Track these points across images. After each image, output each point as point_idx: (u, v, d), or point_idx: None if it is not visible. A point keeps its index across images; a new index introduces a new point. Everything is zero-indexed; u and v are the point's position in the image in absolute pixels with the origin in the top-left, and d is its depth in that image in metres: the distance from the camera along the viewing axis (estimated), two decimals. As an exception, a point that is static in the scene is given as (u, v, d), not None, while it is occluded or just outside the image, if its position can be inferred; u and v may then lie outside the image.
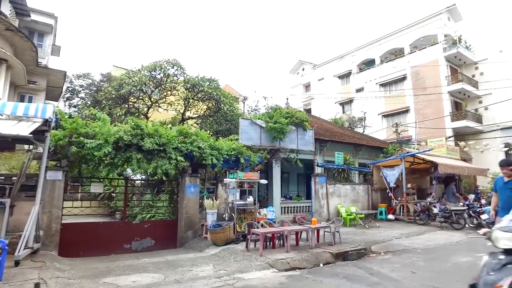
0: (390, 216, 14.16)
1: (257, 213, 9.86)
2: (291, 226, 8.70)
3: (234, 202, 9.14)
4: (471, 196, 17.01)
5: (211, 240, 8.84)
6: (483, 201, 15.45)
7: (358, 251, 7.87)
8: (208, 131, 15.91)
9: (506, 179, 5.35)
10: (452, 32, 29.84)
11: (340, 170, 14.67)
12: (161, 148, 8.89)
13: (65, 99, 18.92)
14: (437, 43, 28.32)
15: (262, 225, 8.75)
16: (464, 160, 21.57)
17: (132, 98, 14.63)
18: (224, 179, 9.75)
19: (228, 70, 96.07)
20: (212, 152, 9.71)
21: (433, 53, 28.18)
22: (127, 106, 14.77)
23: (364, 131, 28.58)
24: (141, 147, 8.48)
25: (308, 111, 38.19)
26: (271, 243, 8.35)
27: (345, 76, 35.81)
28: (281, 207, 13.81)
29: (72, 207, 9.25)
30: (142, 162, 8.60)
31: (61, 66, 42.50)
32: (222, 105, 14.85)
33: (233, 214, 9.03)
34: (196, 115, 16.81)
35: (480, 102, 28.20)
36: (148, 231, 9.39)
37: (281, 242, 8.33)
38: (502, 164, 5.46)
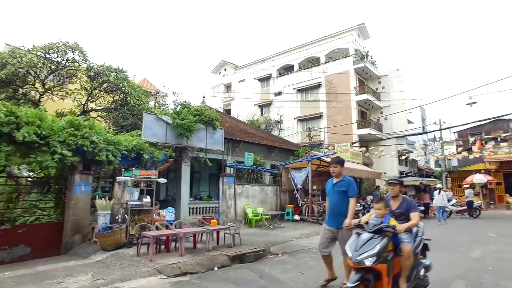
0: (296, 217, 14.66)
1: (156, 214, 9.18)
2: (188, 228, 8.25)
3: (128, 203, 8.35)
4: (369, 197, 18.69)
5: (100, 244, 7.92)
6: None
7: (256, 253, 7.79)
8: (111, 125, 14.60)
9: (335, 181, 4.99)
10: (361, 48, 32.69)
11: (250, 171, 14.71)
12: (43, 141, 7.67)
13: None
14: (349, 56, 30.71)
15: (157, 227, 8.12)
16: (366, 165, 23.68)
17: (18, 81, 12.55)
18: (117, 177, 8.87)
19: (150, 65, 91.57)
20: (108, 147, 8.74)
21: (345, 65, 30.46)
22: (12, 91, 12.64)
23: (279, 134, 29.54)
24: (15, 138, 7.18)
25: (228, 111, 38.27)
26: (166, 246, 7.80)
27: (265, 79, 36.67)
28: (190, 208, 13.31)
29: None
30: (14, 156, 7.29)
31: None
32: (129, 98, 13.69)
33: (126, 216, 8.24)
34: (101, 108, 15.25)
35: (381, 112, 31.46)
36: (23, 237, 8.00)
37: (178, 245, 7.84)
38: (331, 162, 5.14)
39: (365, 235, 4.03)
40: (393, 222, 4.21)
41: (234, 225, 9.11)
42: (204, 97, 18.45)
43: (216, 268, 6.61)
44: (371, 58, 31.45)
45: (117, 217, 8.58)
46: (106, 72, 13.48)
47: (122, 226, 8.03)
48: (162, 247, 7.82)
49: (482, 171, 22.26)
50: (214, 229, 8.05)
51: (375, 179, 23.04)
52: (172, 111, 12.96)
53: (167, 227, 8.37)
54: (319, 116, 30.81)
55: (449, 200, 17.30)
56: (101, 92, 14.63)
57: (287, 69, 36.00)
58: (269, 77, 36.24)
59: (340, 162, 5.11)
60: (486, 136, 23.36)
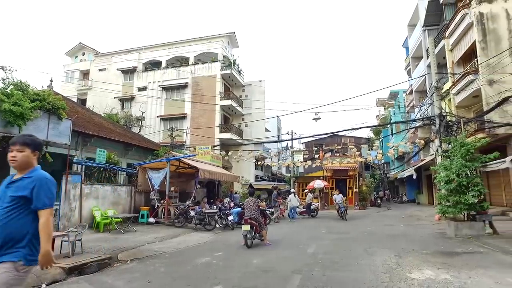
0: (151, 219, 13.90)
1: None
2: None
3: None
4: (226, 200, 19.42)
5: None
6: (232, 204, 17.79)
7: (100, 262, 6.89)
8: None
9: (15, 177, 2.66)
10: (229, 55, 34.09)
11: (102, 169, 13.19)
12: None
13: None
14: (217, 61, 31.54)
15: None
16: (226, 168, 24.59)
17: None
18: None
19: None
20: None
21: (213, 69, 31.14)
22: None
23: (140, 132, 27.84)
24: None
25: (83, 101, 33.88)
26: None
27: (130, 72, 34.08)
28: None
29: None
30: None
31: None
32: None
33: None
34: None
35: (243, 119, 33.44)
36: None
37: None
38: (12, 142, 2.71)
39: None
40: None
41: (75, 230, 7.88)
42: (51, 80, 15.60)
43: (44, 286, 5.51)
44: (238, 67, 33.14)
45: None
46: None
47: None
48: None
49: (321, 177, 26.16)
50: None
51: (233, 182, 24.16)
52: (-1, 91, 10.42)
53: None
54: (183, 117, 30.47)
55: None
56: None
57: (154, 65, 34.39)
58: (134, 70, 33.83)
59: (29, 143, 2.71)
60: (325, 148, 27.63)
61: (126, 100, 33.20)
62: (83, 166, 12.70)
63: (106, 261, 7.10)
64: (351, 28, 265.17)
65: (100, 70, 35.52)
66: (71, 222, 10.89)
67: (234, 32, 34.19)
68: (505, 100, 12.66)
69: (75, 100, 29.65)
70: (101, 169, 13.25)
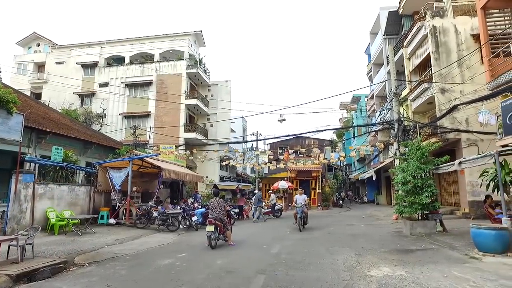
0: (112, 221, 13.37)
1: None
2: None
3: None
4: (190, 200, 19.13)
5: None
6: (196, 204, 17.57)
7: (54, 266, 6.49)
8: None
9: None
10: (196, 54, 33.65)
11: (58, 168, 12.47)
12: None
13: None
14: (183, 59, 31.03)
15: None
16: (190, 168, 24.24)
17: None
18: None
19: None
20: None
21: (179, 68, 30.60)
22: None
23: (100, 129, 26.71)
24: None
25: (38, 96, 31.94)
26: None
27: (91, 66, 32.60)
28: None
29: None
30: None
31: None
32: None
33: None
34: None
35: (208, 119, 33.17)
36: None
37: None
38: None
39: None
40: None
41: (26, 233, 7.39)
42: (0, 72, 14.48)
43: (-13, 295, 5.10)
44: (204, 66, 32.81)
45: None
46: None
47: None
48: None
49: (285, 178, 26.53)
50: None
51: (197, 183, 23.85)
52: None
53: None
54: (147, 115, 29.67)
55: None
56: None
57: (117, 60, 33.17)
58: (95, 65, 32.41)
59: None
60: (291, 150, 28.01)
61: (86, 96, 31.70)
62: (37, 165, 11.94)
63: (61, 265, 6.70)
64: (317, 33, 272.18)
65: (57, 63, 33.62)
66: (21, 225, 10.18)
67: (201, 31, 33.82)
68: (454, 108, 13.58)
69: (28, 93, 27.79)
70: (57, 168, 12.53)
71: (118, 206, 14.10)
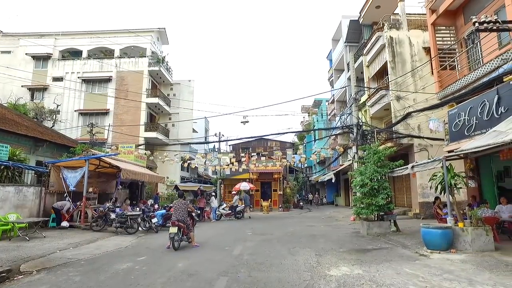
0: (64, 223, 12.62)
1: None
2: None
3: None
4: (150, 201, 18.57)
5: None
6: (156, 206, 17.11)
7: (-3, 275, 5.99)
8: None
9: None
10: (159, 52, 32.80)
11: (3, 167, 11.53)
12: None
13: None
14: (145, 56, 30.11)
15: None
16: (150, 168, 23.53)
17: None
18: None
19: None
20: None
21: (140, 65, 29.64)
22: None
23: (53, 126, 25.16)
24: None
25: (-19, 88, 29.33)
26: None
27: (43, 58, 30.60)
28: None
29: None
30: None
31: None
32: None
33: None
34: None
35: (170, 118, 32.44)
36: None
37: None
38: None
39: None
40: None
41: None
42: None
43: None
44: (167, 64, 32.08)
45: None
46: None
47: None
48: None
49: (247, 179, 26.62)
50: None
51: (157, 183, 23.22)
52: None
53: None
54: (105, 113, 28.39)
55: (220, 205, 19.68)
56: None
57: (74, 54, 31.42)
58: (49, 57, 30.46)
59: None
60: (253, 153, 28.19)
61: (37, 90, 29.67)
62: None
63: (4, 274, 6.13)
64: (282, 37, 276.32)
65: (3, 52, 31.13)
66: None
67: (165, 28, 33.04)
68: (408, 115, 14.45)
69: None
70: (2, 167, 11.59)
71: (72, 208, 13.33)
